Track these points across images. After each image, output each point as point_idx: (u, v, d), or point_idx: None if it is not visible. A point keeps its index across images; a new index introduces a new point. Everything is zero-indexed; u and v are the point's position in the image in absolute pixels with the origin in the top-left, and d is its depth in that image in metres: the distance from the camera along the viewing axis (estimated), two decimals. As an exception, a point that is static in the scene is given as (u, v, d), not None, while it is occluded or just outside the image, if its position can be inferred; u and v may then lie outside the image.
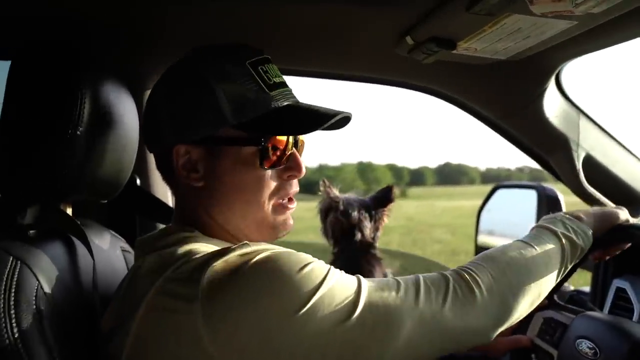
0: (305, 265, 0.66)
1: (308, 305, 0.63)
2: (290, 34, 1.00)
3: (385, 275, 1.38)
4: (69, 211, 0.90)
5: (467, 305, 0.71)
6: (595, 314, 0.97)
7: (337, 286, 0.66)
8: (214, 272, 0.64)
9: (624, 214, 0.94)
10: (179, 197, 0.81)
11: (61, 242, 0.80)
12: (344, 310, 0.65)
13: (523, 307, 0.77)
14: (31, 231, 0.77)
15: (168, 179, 0.81)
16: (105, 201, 0.94)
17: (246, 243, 0.69)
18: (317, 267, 0.67)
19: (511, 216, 1.89)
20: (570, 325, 0.95)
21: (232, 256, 0.66)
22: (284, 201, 0.79)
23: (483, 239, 1.83)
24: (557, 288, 1.06)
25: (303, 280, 0.64)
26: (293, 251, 0.70)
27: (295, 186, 0.81)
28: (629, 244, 0.98)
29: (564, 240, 0.83)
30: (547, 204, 1.51)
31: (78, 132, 0.73)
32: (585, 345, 0.89)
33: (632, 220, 0.95)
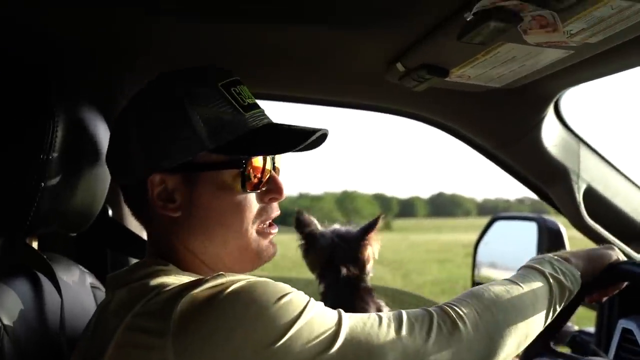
0: (283, 296, 0.61)
1: (285, 338, 0.59)
2: (276, 58, 0.96)
3: (379, 309, 1.30)
4: (35, 244, 0.85)
5: (451, 341, 0.67)
6: (592, 358, 0.90)
7: (317, 318, 0.62)
8: (186, 305, 0.59)
9: (615, 254, 0.90)
10: (152, 230, 0.75)
11: (26, 278, 0.75)
12: (324, 343, 0.61)
13: (509, 347, 0.72)
14: None
15: (139, 211, 0.75)
16: (75, 234, 0.88)
17: (221, 274, 0.65)
18: (296, 298, 0.63)
19: (510, 249, 1.82)
20: None
21: (206, 287, 0.61)
22: (265, 226, 0.75)
23: (482, 272, 1.76)
24: (553, 332, 1.00)
25: (280, 311, 0.60)
26: (271, 281, 0.65)
27: (276, 209, 0.77)
28: (625, 283, 0.93)
29: (552, 281, 0.79)
30: (549, 236, 1.44)
31: (51, 158, 0.68)
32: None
33: (623, 259, 0.90)
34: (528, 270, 0.81)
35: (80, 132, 0.76)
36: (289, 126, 0.75)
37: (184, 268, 0.71)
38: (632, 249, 1.15)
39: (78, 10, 0.78)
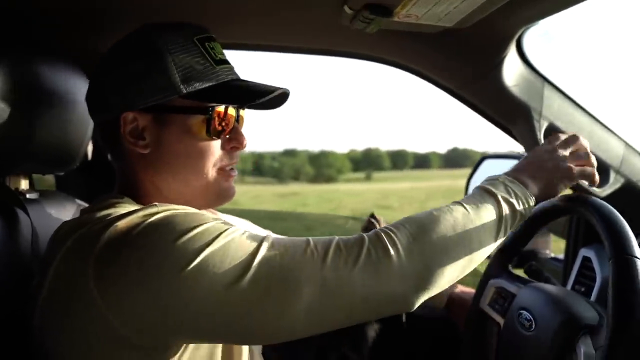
0: (199, 225, 0.62)
1: (195, 262, 0.59)
2: (237, 8, 0.94)
3: None
4: (25, 184, 0.88)
5: (380, 267, 0.63)
6: (541, 285, 0.91)
7: (234, 243, 0.62)
8: (113, 232, 0.61)
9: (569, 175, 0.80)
10: (122, 166, 0.77)
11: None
12: (236, 269, 0.60)
13: (451, 272, 0.68)
14: None
15: (112, 148, 0.77)
16: (62, 173, 0.92)
17: (155, 204, 0.67)
18: (212, 226, 0.63)
19: None
20: (516, 296, 0.90)
21: (135, 216, 0.63)
22: (227, 170, 0.77)
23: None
24: (511, 255, 1.00)
25: (194, 237, 0.60)
26: (197, 212, 0.67)
27: (236, 157, 0.79)
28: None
29: (503, 205, 0.73)
30: None
31: None
32: (524, 317, 0.84)
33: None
34: (479, 192, 0.75)
35: (33, 81, 0.76)
36: (254, 83, 0.76)
37: (144, 202, 0.73)
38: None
39: None
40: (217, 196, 0.77)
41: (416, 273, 0.65)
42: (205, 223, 0.63)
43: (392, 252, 0.64)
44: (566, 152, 0.80)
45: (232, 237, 0.63)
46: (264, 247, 0.63)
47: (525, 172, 0.78)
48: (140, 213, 0.64)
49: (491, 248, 0.73)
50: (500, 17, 0.90)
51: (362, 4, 0.83)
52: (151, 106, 0.71)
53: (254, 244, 0.63)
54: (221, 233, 0.62)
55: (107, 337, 0.60)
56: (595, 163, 0.83)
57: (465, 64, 1.07)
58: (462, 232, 0.69)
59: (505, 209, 0.73)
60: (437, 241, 0.67)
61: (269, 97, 0.74)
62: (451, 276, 0.68)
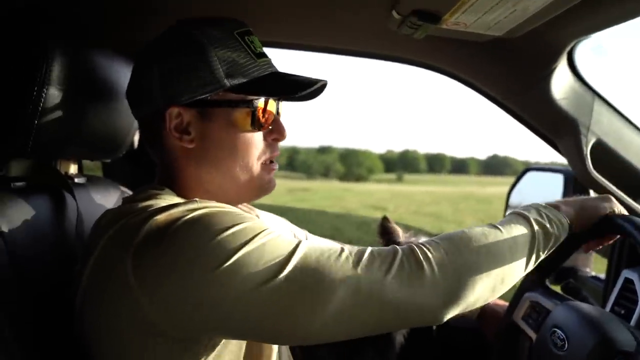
0: (238, 224, 0.62)
1: (231, 261, 0.59)
2: (285, 8, 0.94)
3: None
4: (74, 168, 0.91)
5: (412, 279, 0.63)
6: (577, 304, 0.87)
7: (269, 245, 0.62)
8: (153, 225, 0.62)
9: (610, 205, 0.83)
10: (164, 160, 0.78)
11: (47, 195, 0.81)
12: (271, 269, 0.60)
13: (482, 291, 0.68)
14: (17, 183, 0.77)
15: (153, 142, 0.78)
16: (109, 160, 0.95)
17: (195, 200, 0.68)
18: (249, 226, 0.63)
19: (538, 198, 1.81)
20: (551, 312, 0.86)
21: (175, 211, 0.64)
22: (269, 162, 0.78)
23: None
24: (548, 271, 0.97)
25: (230, 237, 0.61)
26: (234, 211, 0.67)
27: (277, 149, 0.80)
28: (618, 236, 0.88)
29: (535, 227, 0.74)
30: (574, 187, 1.40)
31: (43, 94, 0.71)
32: (557, 335, 0.81)
33: (619, 211, 0.83)
34: (512, 216, 0.76)
35: (84, 70, 0.79)
36: (295, 75, 0.77)
37: (184, 195, 0.74)
38: (639, 204, 1.06)
39: None
40: (259, 189, 0.78)
41: (447, 288, 0.65)
42: (243, 223, 0.63)
43: (425, 265, 0.64)
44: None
45: (268, 237, 0.63)
46: (301, 249, 0.63)
47: (561, 202, 0.81)
48: (181, 208, 0.64)
49: (523, 270, 0.73)
50: (551, 29, 0.87)
51: (410, 9, 0.83)
52: (196, 101, 0.71)
53: (291, 246, 0.63)
54: (258, 234, 0.62)
55: (140, 325, 0.61)
56: None
57: (513, 75, 1.04)
58: (494, 252, 0.69)
59: (538, 232, 0.73)
60: (470, 259, 0.67)
61: (311, 90, 0.74)
62: (482, 295, 0.68)
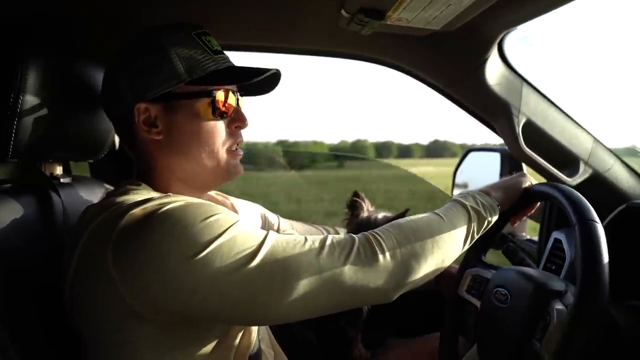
0: (211, 216, 0.65)
1: (206, 251, 0.61)
2: (232, 10, 0.97)
3: None
4: (59, 169, 0.92)
5: (367, 266, 0.69)
6: (510, 267, 0.95)
7: (241, 236, 0.65)
8: (130, 219, 0.64)
9: (525, 179, 0.93)
10: (138, 154, 0.80)
11: (33, 195, 0.81)
12: (243, 258, 0.63)
13: (426, 271, 0.75)
14: (3, 185, 0.78)
15: (127, 139, 0.81)
16: (92, 160, 0.98)
17: (169, 194, 0.70)
18: (223, 218, 0.65)
19: (479, 177, 1.89)
20: (490, 279, 0.93)
21: (151, 205, 0.66)
22: (233, 149, 0.80)
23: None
24: (484, 248, 1.03)
25: (205, 228, 0.63)
26: (207, 203, 0.69)
27: (241, 136, 0.82)
28: (538, 203, 0.97)
29: (472, 213, 0.82)
30: (510, 165, 1.49)
31: (20, 100, 0.72)
32: (500, 292, 0.87)
33: (533, 182, 0.94)
34: (453, 204, 0.84)
35: (60, 77, 0.79)
36: (248, 67, 0.79)
37: (160, 187, 0.77)
38: (564, 174, 1.15)
39: None
40: (227, 173, 0.80)
41: (397, 273, 0.71)
42: (215, 214, 0.65)
43: (378, 253, 0.70)
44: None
45: (240, 230, 0.65)
46: (269, 240, 0.66)
47: (491, 187, 0.91)
48: (155, 202, 0.66)
49: (461, 250, 0.81)
50: (482, 22, 0.93)
51: (357, 7, 0.86)
52: (160, 96, 0.74)
53: (260, 237, 0.66)
54: (231, 225, 0.65)
55: (123, 311, 0.63)
56: None
57: (452, 65, 1.10)
58: (437, 239, 0.76)
59: (474, 217, 0.82)
60: (417, 246, 0.74)
61: (263, 77, 0.77)
62: (427, 275, 0.75)
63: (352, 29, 0.93)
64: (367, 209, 1.16)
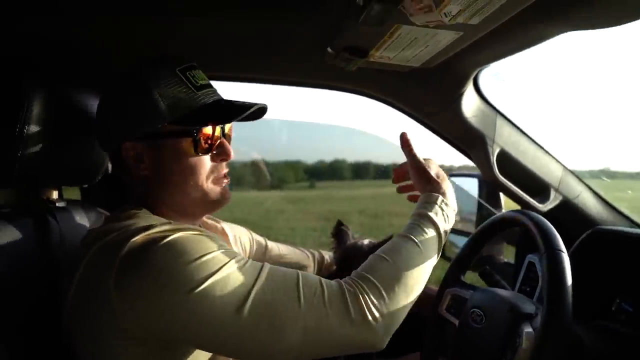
0: (209, 253, 0.66)
1: (200, 288, 0.62)
2: (225, 44, 1.00)
3: None
4: (55, 194, 0.94)
5: (357, 323, 0.67)
6: (487, 288, 0.97)
7: (234, 275, 0.65)
8: (132, 246, 0.65)
9: (433, 163, 0.92)
10: (132, 185, 0.82)
11: (31, 219, 0.82)
12: (234, 300, 0.64)
13: (409, 304, 0.74)
14: (2, 210, 0.79)
15: (121, 171, 0.82)
16: (86, 185, 1.00)
17: (169, 222, 0.71)
18: (218, 256, 0.66)
19: (458, 200, 1.93)
20: (468, 299, 0.95)
21: (153, 232, 0.67)
22: (219, 178, 0.81)
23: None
24: (463, 269, 1.06)
25: (201, 265, 0.64)
26: (207, 238, 0.69)
27: (225, 168, 0.83)
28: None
29: (441, 231, 0.81)
30: (487, 190, 1.53)
31: (25, 130, 0.73)
32: (476, 313, 0.89)
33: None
34: (426, 224, 0.81)
35: (59, 109, 0.81)
36: (233, 102, 0.81)
37: (155, 212, 0.78)
38: (536, 201, 1.19)
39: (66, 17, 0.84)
40: (214, 202, 0.81)
41: (386, 326, 0.70)
42: (212, 252, 0.66)
43: (368, 316, 0.68)
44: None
45: (233, 268, 0.66)
46: (259, 281, 0.66)
47: (442, 189, 0.87)
48: (157, 229, 0.67)
49: (433, 266, 0.80)
50: (458, 59, 0.98)
51: (342, 46, 0.90)
52: (146, 134, 0.75)
53: (252, 278, 0.66)
54: (226, 263, 0.66)
55: (119, 335, 0.64)
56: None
57: (431, 98, 1.14)
58: (418, 272, 0.75)
59: (443, 234, 0.82)
60: (403, 290, 0.72)
61: (246, 114, 0.78)
62: (409, 307, 0.74)
63: (337, 65, 0.98)
64: (351, 235, 1.18)
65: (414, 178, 0.90)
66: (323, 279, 0.70)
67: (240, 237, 1.09)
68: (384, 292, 0.70)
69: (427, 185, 0.88)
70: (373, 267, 0.74)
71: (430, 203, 0.84)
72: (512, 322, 0.79)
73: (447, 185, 0.89)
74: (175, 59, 0.79)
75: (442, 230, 0.81)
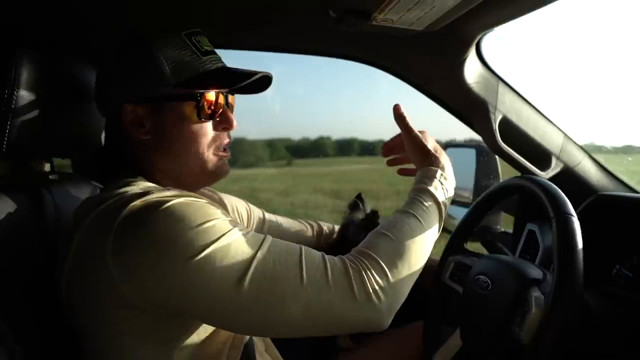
0: (209, 220, 0.63)
1: (200, 255, 0.59)
2: (233, 12, 0.96)
3: None
4: (47, 166, 0.91)
5: (361, 302, 0.64)
6: (491, 255, 0.96)
7: (235, 244, 0.62)
8: (131, 210, 0.62)
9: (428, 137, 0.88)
10: (128, 151, 0.78)
11: (25, 192, 0.78)
12: (234, 269, 0.61)
13: (412, 283, 0.71)
14: None
15: (118, 137, 0.78)
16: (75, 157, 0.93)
17: (168, 188, 0.69)
18: (220, 223, 0.63)
19: (456, 171, 1.93)
20: (472, 266, 0.94)
21: (151, 197, 0.64)
22: (219, 150, 0.78)
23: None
24: (465, 237, 1.04)
25: (203, 232, 0.61)
26: (208, 205, 0.66)
27: (228, 137, 0.80)
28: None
29: (442, 210, 0.79)
30: (484, 160, 1.52)
31: (14, 97, 0.69)
32: (482, 280, 0.88)
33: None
34: (424, 197, 0.78)
35: (53, 75, 0.77)
36: (238, 69, 0.77)
37: (152, 181, 0.75)
38: (537, 167, 1.17)
39: None
40: (212, 174, 0.79)
41: (389, 305, 0.67)
42: (214, 219, 0.63)
43: (372, 294, 0.65)
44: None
45: (235, 237, 0.63)
46: (261, 252, 0.63)
47: (440, 163, 0.84)
48: (155, 195, 0.64)
49: (433, 244, 0.77)
50: (462, 23, 0.94)
51: (344, 8, 0.86)
52: (147, 97, 0.72)
53: (253, 248, 0.63)
54: (227, 232, 0.63)
55: (118, 303, 0.62)
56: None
57: (432, 64, 1.11)
58: (421, 249, 0.73)
59: (443, 205, 0.79)
60: (406, 267, 0.70)
61: (250, 81, 0.74)
62: (412, 283, 0.72)
63: (339, 29, 0.93)
64: (364, 210, 1.14)
65: (411, 152, 0.87)
66: (326, 255, 0.68)
67: (238, 207, 1.06)
68: (387, 269, 0.68)
69: (424, 159, 0.84)
70: (375, 244, 0.71)
71: (429, 177, 0.81)
72: (520, 288, 0.78)
73: (444, 158, 0.86)
74: (179, 24, 0.76)
75: (442, 204, 0.79)
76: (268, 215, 1.14)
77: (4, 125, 0.69)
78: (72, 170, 1.20)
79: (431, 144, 0.86)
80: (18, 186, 0.78)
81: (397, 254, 0.70)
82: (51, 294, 0.70)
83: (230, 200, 1.05)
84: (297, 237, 1.13)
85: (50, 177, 0.87)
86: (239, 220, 1.04)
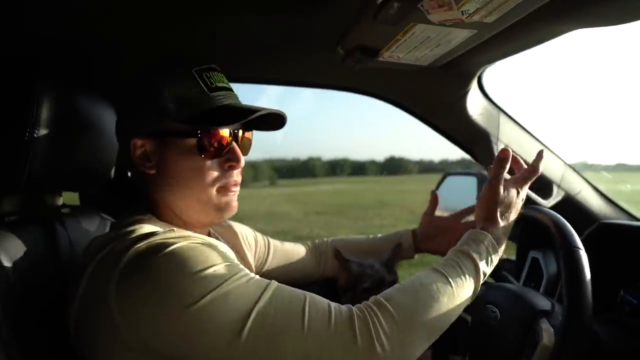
0: (210, 266, 0.61)
1: (199, 304, 0.57)
2: (246, 51, 0.97)
3: None
4: (60, 199, 0.89)
5: (364, 355, 0.60)
6: (502, 284, 0.94)
7: (235, 292, 0.60)
8: (135, 253, 0.61)
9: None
10: (138, 183, 0.78)
11: (40, 226, 0.78)
12: (233, 319, 0.58)
13: (425, 345, 0.66)
14: (10, 218, 0.75)
15: (129, 168, 0.78)
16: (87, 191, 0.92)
17: (172, 229, 0.67)
18: (221, 270, 0.61)
19: (457, 199, 1.91)
20: (481, 295, 0.93)
21: (154, 240, 0.63)
22: (225, 188, 0.75)
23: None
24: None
25: (202, 279, 0.59)
26: (209, 249, 0.64)
27: (235, 176, 0.77)
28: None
29: (480, 279, 0.73)
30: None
31: (35, 134, 0.70)
32: (491, 310, 0.87)
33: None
34: (466, 261, 0.73)
35: (69, 111, 0.78)
36: (243, 106, 0.75)
37: (161, 217, 0.74)
38: (539, 196, 1.17)
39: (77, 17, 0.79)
40: (217, 211, 0.76)
41: (395, 356, 0.62)
42: (216, 264, 0.62)
43: (377, 347, 0.61)
44: (523, 192, 0.84)
45: (236, 284, 0.61)
46: (261, 302, 0.60)
47: (497, 230, 0.78)
48: (159, 237, 0.63)
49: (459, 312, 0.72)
50: (465, 59, 0.96)
51: (353, 45, 0.87)
52: (154, 132, 0.72)
53: (254, 298, 0.61)
54: (229, 278, 0.61)
55: (121, 344, 0.60)
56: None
57: (436, 96, 1.12)
58: (444, 309, 0.67)
59: (481, 279, 0.74)
60: (421, 326, 0.65)
61: (254, 117, 0.72)
62: (424, 348, 0.66)
63: (347, 65, 0.94)
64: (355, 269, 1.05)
65: (480, 205, 0.80)
66: (333, 303, 0.64)
67: (247, 235, 1.05)
68: (397, 319, 0.63)
69: (486, 218, 0.79)
70: (391, 294, 0.67)
71: (477, 241, 0.76)
72: (529, 319, 0.77)
73: (507, 227, 0.80)
74: (193, 60, 0.75)
75: (482, 274, 0.73)
76: (273, 242, 1.13)
77: (25, 161, 0.69)
78: (80, 202, 1.20)
79: (503, 206, 0.80)
80: (34, 219, 0.77)
81: (413, 310, 0.65)
82: (64, 329, 0.68)
83: (239, 227, 1.04)
84: (298, 257, 1.12)
85: (62, 210, 0.87)
86: (247, 248, 1.03)
